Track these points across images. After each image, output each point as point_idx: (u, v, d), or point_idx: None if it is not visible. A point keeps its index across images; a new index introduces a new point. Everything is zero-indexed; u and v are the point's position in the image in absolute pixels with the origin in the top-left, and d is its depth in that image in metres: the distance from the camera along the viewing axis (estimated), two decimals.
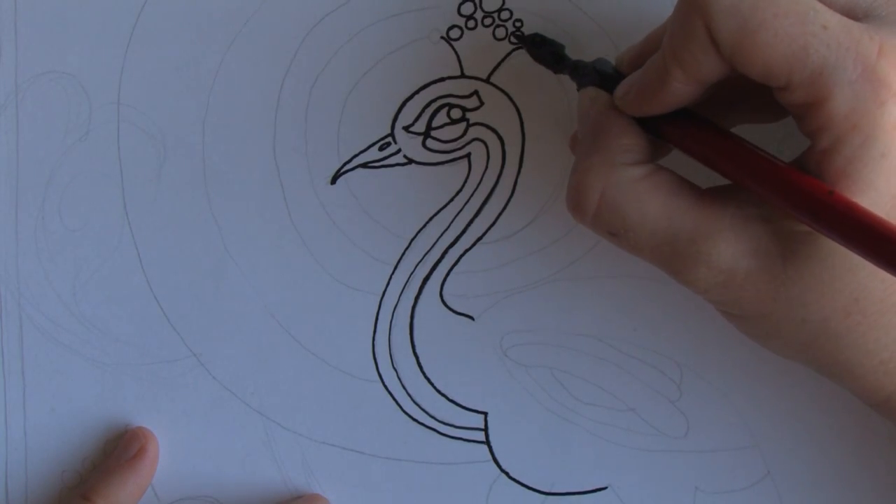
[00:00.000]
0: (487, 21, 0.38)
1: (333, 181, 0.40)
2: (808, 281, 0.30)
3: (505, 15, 0.38)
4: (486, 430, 0.40)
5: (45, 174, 0.40)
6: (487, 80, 0.38)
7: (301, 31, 0.39)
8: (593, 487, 0.40)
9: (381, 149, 0.39)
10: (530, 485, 0.40)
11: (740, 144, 0.30)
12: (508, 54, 0.38)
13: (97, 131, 0.40)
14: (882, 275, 0.29)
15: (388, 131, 0.39)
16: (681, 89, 0.30)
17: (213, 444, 0.41)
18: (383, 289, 0.40)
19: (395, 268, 0.40)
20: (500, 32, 0.38)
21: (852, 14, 0.29)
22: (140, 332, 0.41)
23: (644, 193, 0.31)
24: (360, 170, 0.39)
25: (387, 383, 0.40)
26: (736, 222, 0.30)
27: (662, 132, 0.32)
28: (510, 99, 0.38)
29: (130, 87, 0.40)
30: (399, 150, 0.39)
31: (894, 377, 0.30)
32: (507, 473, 0.40)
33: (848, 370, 0.31)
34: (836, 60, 0.27)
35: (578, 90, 0.35)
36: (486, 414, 0.40)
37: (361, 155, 0.39)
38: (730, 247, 0.30)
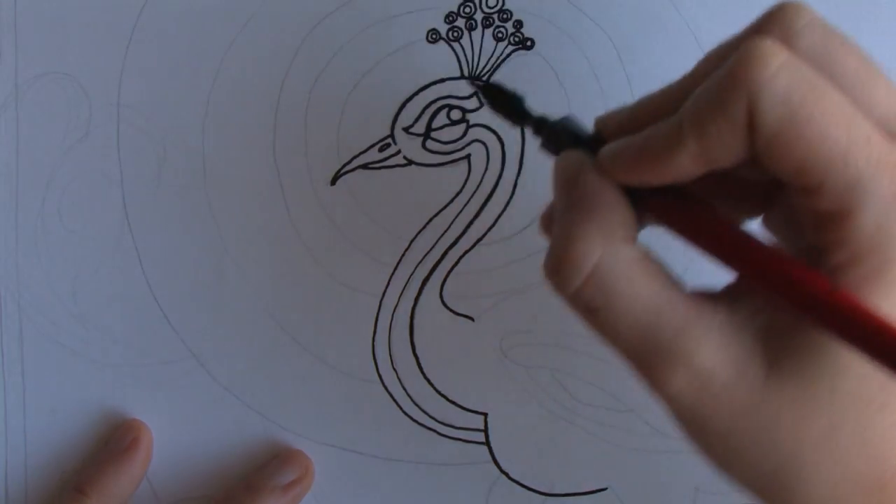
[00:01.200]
0: (487, 22, 0.38)
1: (333, 182, 0.40)
2: (787, 401, 0.28)
3: (505, 16, 0.38)
4: (486, 430, 0.40)
5: (44, 175, 0.40)
6: (487, 81, 0.38)
7: (301, 32, 0.39)
8: (593, 488, 0.40)
9: (380, 150, 0.39)
10: (530, 485, 0.40)
11: (735, 226, 0.28)
12: (508, 55, 0.38)
13: (97, 132, 0.40)
14: (861, 406, 0.28)
15: (388, 132, 0.39)
16: (686, 164, 0.28)
17: (213, 445, 0.41)
18: (383, 289, 0.40)
19: (395, 268, 0.40)
20: (500, 33, 0.38)
21: (884, 130, 0.28)
22: (140, 333, 0.41)
23: (639, 276, 0.28)
24: (359, 171, 0.39)
25: (387, 384, 0.40)
26: (725, 326, 0.28)
27: (650, 207, 0.29)
28: None
29: (130, 87, 0.40)
30: (399, 152, 0.39)
31: None
32: (507, 474, 0.40)
33: (804, 499, 0.29)
34: (874, 175, 0.26)
35: (544, 148, 0.32)
36: (486, 415, 0.40)
37: (361, 156, 0.39)
38: (714, 350, 0.28)
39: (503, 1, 0.38)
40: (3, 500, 0.42)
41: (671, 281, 0.29)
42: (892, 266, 0.26)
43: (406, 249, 0.40)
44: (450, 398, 0.40)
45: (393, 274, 0.40)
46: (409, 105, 0.39)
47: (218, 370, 0.41)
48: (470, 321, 0.40)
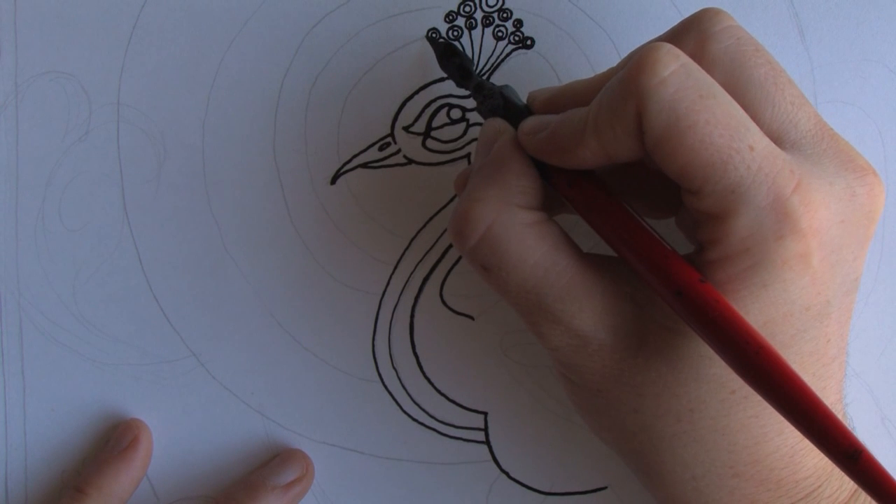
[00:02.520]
0: (487, 21, 0.38)
1: (333, 181, 0.40)
2: (653, 375, 0.29)
3: (504, 15, 0.38)
4: (486, 429, 0.40)
5: (44, 174, 0.40)
6: (487, 81, 0.38)
7: (301, 31, 0.39)
8: (593, 487, 0.40)
9: (380, 149, 0.39)
10: (530, 484, 0.40)
11: (627, 212, 0.30)
12: (508, 54, 0.38)
13: (97, 131, 0.40)
14: (722, 395, 0.29)
15: (388, 131, 0.39)
16: (588, 157, 0.29)
17: (213, 444, 0.41)
18: (383, 289, 0.40)
19: (395, 268, 0.40)
20: (500, 32, 0.38)
21: (781, 142, 0.29)
22: (140, 332, 0.41)
23: (529, 239, 0.30)
24: (359, 170, 0.39)
25: (387, 383, 0.40)
26: (607, 294, 0.30)
27: (556, 182, 0.31)
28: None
29: (130, 87, 0.40)
30: (399, 151, 0.39)
31: (703, 496, 0.30)
32: (507, 473, 0.40)
33: (660, 475, 0.31)
34: (752, 183, 0.27)
35: (479, 111, 0.35)
36: (486, 414, 0.40)
37: (361, 155, 0.39)
38: (594, 315, 0.30)
39: (503, 0, 0.38)
40: (4, 500, 0.42)
41: (563, 246, 0.31)
42: (760, 270, 0.28)
43: (406, 248, 0.40)
44: (450, 397, 0.40)
45: (393, 273, 0.40)
46: (409, 104, 0.39)
47: (218, 369, 0.41)
48: (470, 320, 0.40)
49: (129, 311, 0.41)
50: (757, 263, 0.28)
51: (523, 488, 0.40)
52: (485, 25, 0.38)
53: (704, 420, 0.29)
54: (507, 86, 0.34)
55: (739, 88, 0.29)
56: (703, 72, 0.28)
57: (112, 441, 0.40)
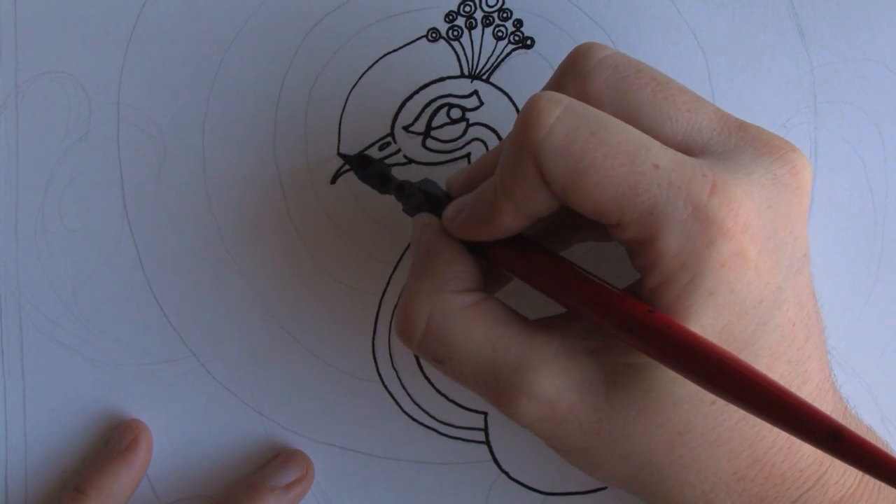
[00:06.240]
0: (487, 21, 0.38)
1: (333, 181, 0.40)
2: (631, 414, 0.29)
3: (504, 15, 0.38)
4: (486, 430, 0.40)
5: (44, 174, 0.40)
6: (487, 80, 0.38)
7: (301, 31, 0.39)
8: (593, 487, 0.40)
9: (380, 149, 0.39)
10: (530, 485, 0.40)
11: (566, 265, 0.30)
12: (508, 54, 0.38)
13: (97, 131, 0.40)
14: (705, 409, 0.29)
15: (388, 131, 0.39)
16: (511, 222, 0.30)
17: (213, 444, 0.41)
18: (383, 288, 0.40)
19: (395, 267, 0.40)
20: (500, 32, 0.38)
21: (689, 150, 0.29)
22: (140, 332, 0.41)
23: (470, 321, 0.30)
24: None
25: (386, 383, 0.40)
26: (560, 354, 0.30)
27: (490, 255, 0.32)
28: (510, 99, 0.39)
29: (130, 86, 0.40)
30: (399, 150, 0.39)
31: None
32: (507, 473, 0.40)
33: (673, 501, 0.31)
34: (667, 200, 0.27)
35: (405, 211, 0.36)
36: (486, 414, 0.40)
37: None
38: (553, 378, 0.29)
39: (503, 0, 0.38)
40: (4, 500, 0.42)
41: (507, 319, 0.31)
42: (702, 280, 0.27)
43: (406, 248, 0.40)
44: (450, 397, 0.40)
45: (393, 273, 0.40)
46: (409, 104, 0.39)
47: (218, 369, 0.41)
48: None
49: (129, 311, 0.41)
50: (696, 275, 0.27)
51: (523, 488, 0.40)
52: (485, 25, 0.38)
53: (696, 438, 0.29)
54: (425, 179, 0.35)
55: (632, 114, 0.29)
56: (589, 107, 0.28)
57: (112, 442, 0.40)
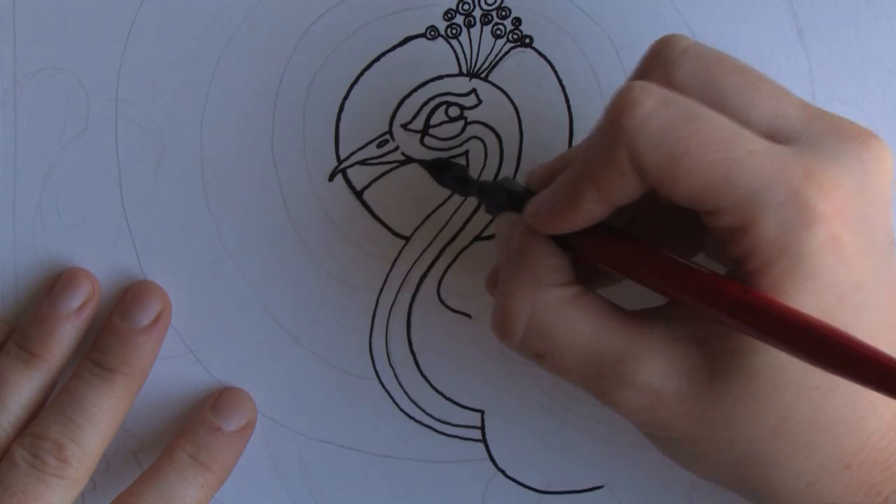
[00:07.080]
0: (486, 19, 0.38)
1: (331, 178, 0.40)
2: (735, 400, 0.29)
3: (503, 13, 0.38)
4: (482, 428, 0.40)
5: (42, 170, 0.40)
6: (485, 79, 0.38)
7: (299, 28, 0.39)
8: (590, 486, 0.40)
9: (379, 146, 0.39)
10: (527, 483, 0.40)
11: (657, 251, 0.30)
12: (507, 52, 0.38)
13: (95, 127, 0.40)
14: (808, 394, 0.29)
15: (387, 129, 0.39)
16: (593, 209, 0.30)
17: None
18: (381, 286, 0.40)
19: (393, 265, 0.40)
20: (499, 30, 0.38)
21: (776, 138, 0.29)
22: None
23: (572, 314, 0.30)
24: (357, 167, 0.39)
25: (384, 381, 0.40)
26: (663, 343, 0.30)
27: (582, 249, 0.31)
28: (508, 97, 0.39)
29: (128, 83, 0.40)
30: (397, 148, 0.39)
31: (821, 498, 0.30)
32: (503, 472, 0.40)
33: (775, 493, 0.30)
34: (763, 185, 0.27)
35: (487, 211, 0.36)
36: (482, 412, 0.40)
37: (359, 152, 0.39)
38: (657, 367, 0.30)
39: None
40: None
41: (608, 310, 0.31)
42: (801, 263, 0.27)
43: (404, 246, 0.40)
44: (447, 395, 0.40)
45: (390, 270, 0.40)
46: (407, 102, 0.39)
47: (214, 366, 0.41)
48: (467, 318, 0.40)
49: None
50: (795, 259, 0.27)
51: (520, 487, 0.40)
52: (483, 23, 0.38)
53: (800, 425, 0.29)
54: (506, 178, 0.35)
55: (717, 102, 0.29)
56: (681, 96, 0.28)
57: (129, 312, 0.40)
